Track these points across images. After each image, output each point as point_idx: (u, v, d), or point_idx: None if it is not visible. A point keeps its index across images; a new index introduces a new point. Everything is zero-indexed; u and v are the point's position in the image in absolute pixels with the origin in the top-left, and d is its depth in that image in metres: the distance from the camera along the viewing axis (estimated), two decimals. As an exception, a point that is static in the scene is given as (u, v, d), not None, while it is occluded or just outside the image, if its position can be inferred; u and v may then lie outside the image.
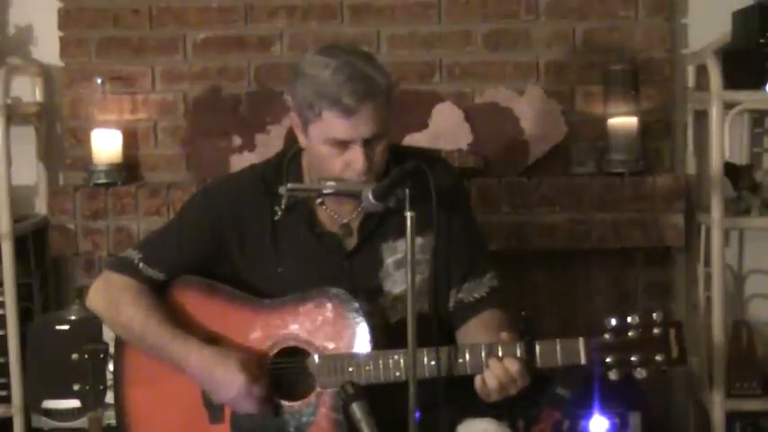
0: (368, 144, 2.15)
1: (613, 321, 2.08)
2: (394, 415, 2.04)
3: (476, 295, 2.31)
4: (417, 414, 2.01)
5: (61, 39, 3.38)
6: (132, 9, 3.37)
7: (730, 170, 3.17)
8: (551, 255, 3.29)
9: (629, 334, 2.07)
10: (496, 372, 2.07)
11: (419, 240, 2.19)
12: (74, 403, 2.91)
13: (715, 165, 3.10)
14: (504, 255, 3.17)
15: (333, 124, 2.13)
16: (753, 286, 3.50)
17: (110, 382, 2.32)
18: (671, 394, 3.43)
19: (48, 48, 3.42)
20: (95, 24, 3.37)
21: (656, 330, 2.06)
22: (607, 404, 3.00)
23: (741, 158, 3.37)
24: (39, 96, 3.42)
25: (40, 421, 3.15)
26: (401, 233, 2.18)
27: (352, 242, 2.31)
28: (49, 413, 3.12)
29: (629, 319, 2.07)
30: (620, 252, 3.28)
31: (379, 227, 2.29)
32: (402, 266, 2.26)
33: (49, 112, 3.46)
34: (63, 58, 3.39)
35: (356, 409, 2.09)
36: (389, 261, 2.29)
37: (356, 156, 2.15)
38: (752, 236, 3.48)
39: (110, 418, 2.44)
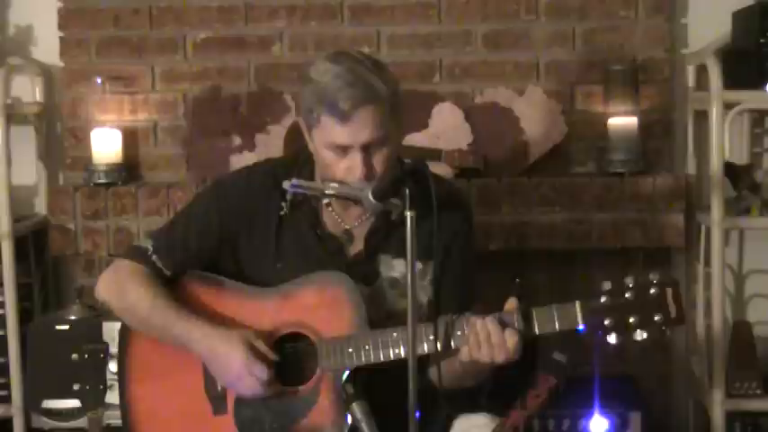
0: (367, 150, 2.16)
1: (608, 284, 2.07)
2: (394, 411, 2.05)
3: None
4: (417, 414, 2.01)
5: (61, 39, 3.38)
6: (132, 9, 3.37)
7: (730, 170, 3.17)
8: (551, 255, 3.29)
9: (626, 295, 2.05)
10: (493, 335, 2.08)
11: (418, 266, 2.21)
12: (74, 403, 2.90)
13: (715, 165, 3.10)
14: (504, 255, 3.18)
15: (331, 129, 2.15)
16: (753, 286, 3.51)
17: (110, 382, 2.32)
18: (671, 394, 3.43)
19: (48, 48, 3.42)
20: (95, 24, 3.37)
21: (652, 290, 2.05)
22: (607, 404, 3.00)
23: (741, 158, 3.37)
24: (39, 96, 3.42)
25: (40, 421, 3.16)
26: (401, 252, 2.20)
27: (352, 249, 2.32)
28: (49, 413, 3.11)
29: (625, 281, 2.06)
30: (620, 252, 3.28)
31: (384, 240, 2.30)
32: (395, 287, 2.30)
33: (49, 112, 3.46)
34: (63, 58, 3.39)
35: (356, 409, 2.09)
36: (385, 276, 2.30)
37: (355, 162, 2.16)
38: (752, 236, 3.48)
39: (110, 417, 2.45)
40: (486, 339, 2.09)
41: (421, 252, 2.11)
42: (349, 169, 2.17)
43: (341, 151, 2.16)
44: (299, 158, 2.36)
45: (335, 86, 2.12)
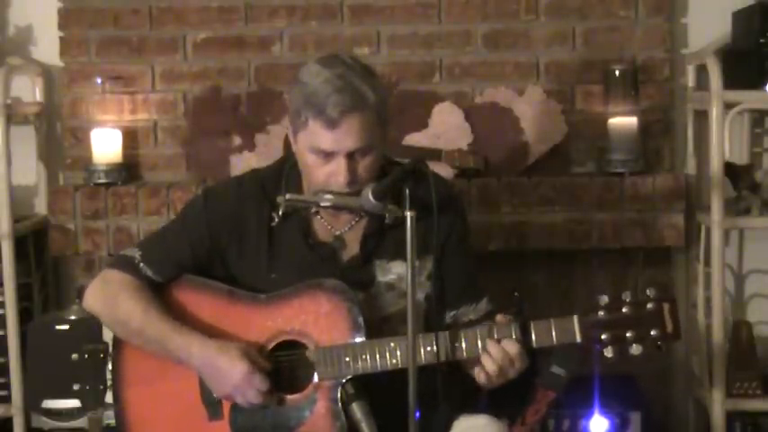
0: (352, 157, 2.16)
1: (606, 298, 2.08)
2: (394, 412, 2.05)
3: (471, 317, 2.33)
4: (417, 414, 2.01)
5: (61, 39, 3.38)
6: (132, 9, 3.36)
7: (730, 170, 3.17)
8: (551, 255, 3.29)
9: (623, 310, 2.06)
10: (495, 355, 2.09)
11: (416, 262, 2.21)
12: (74, 403, 2.91)
13: (715, 165, 3.10)
14: (504, 255, 3.18)
15: (317, 134, 2.15)
16: (753, 286, 3.50)
17: (110, 382, 2.32)
18: (671, 394, 3.43)
19: (48, 48, 3.42)
20: (95, 24, 3.37)
21: (649, 306, 2.06)
22: (607, 404, 3.01)
23: (741, 158, 3.37)
24: (39, 96, 3.42)
25: (39, 421, 3.15)
26: (396, 254, 2.22)
27: (345, 254, 2.32)
28: (49, 413, 3.11)
29: (622, 296, 2.07)
30: (620, 252, 3.28)
31: (378, 244, 2.30)
32: (392, 289, 2.29)
33: (49, 112, 3.46)
34: (63, 58, 3.39)
35: (356, 409, 2.09)
36: (381, 280, 2.30)
37: (339, 168, 2.16)
38: (752, 236, 3.48)
39: (110, 417, 2.44)
40: (495, 369, 2.10)
41: (417, 250, 2.10)
42: (331, 174, 2.17)
43: (325, 156, 2.16)
44: (284, 167, 2.35)
45: (325, 92, 2.12)
